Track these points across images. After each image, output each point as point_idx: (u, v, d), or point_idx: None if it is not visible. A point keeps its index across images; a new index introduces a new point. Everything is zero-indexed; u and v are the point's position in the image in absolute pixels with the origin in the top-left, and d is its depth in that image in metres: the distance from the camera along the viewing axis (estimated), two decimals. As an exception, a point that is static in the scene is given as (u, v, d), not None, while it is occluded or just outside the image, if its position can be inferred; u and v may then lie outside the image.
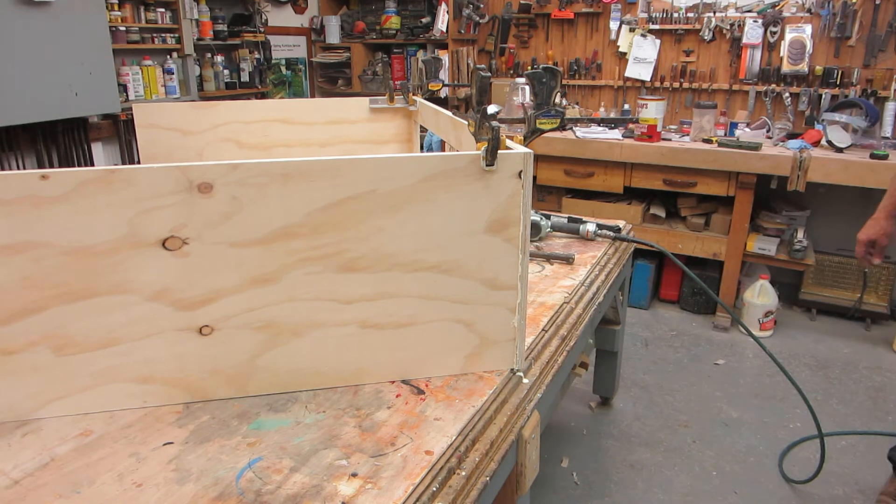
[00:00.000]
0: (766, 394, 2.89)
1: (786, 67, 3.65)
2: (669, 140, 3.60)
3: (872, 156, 3.09)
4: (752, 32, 3.70)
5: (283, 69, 5.00)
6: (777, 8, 3.66)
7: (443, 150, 2.48)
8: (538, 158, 3.75)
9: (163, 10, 3.74)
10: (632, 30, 4.05)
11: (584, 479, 2.30)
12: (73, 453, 1.04)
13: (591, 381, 2.73)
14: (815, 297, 3.76)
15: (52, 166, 3.24)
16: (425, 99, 2.38)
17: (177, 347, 1.14)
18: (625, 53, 4.11)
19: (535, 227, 2.14)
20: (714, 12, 3.82)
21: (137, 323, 1.10)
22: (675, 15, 3.92)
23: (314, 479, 0.98)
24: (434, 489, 0.97)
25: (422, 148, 2.61)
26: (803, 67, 3.61)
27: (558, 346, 1.48)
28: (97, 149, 3.57)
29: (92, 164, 3.47)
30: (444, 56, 4.50)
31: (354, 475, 0.99)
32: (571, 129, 3.83)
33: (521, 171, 1.15)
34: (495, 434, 1.13)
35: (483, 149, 1.12)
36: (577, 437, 2.56)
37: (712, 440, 2.54)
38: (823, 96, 3.59)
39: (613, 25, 4.10)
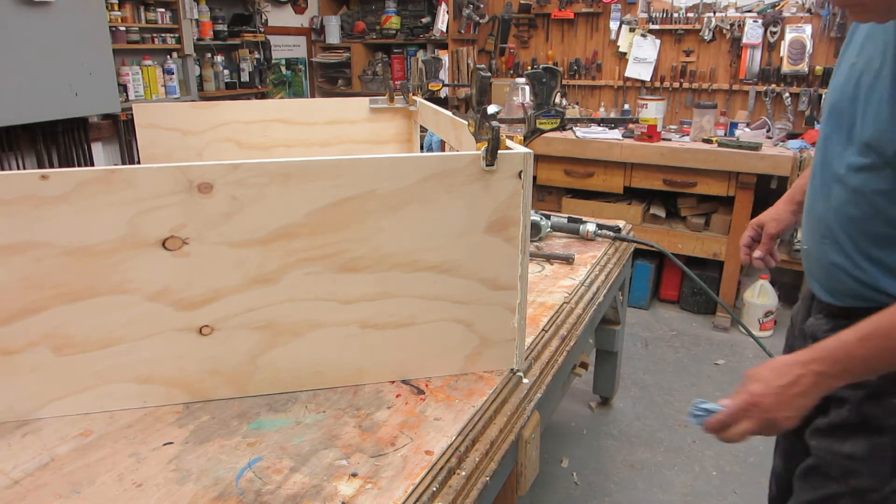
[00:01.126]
0: (766, 394, 2.88)
1: (786, 67, 3.65)
2: (669, 140, 3.60)
3: (872, 156, 3.09)
4: (752, 32, 3.70)
5: (283, 69, 5.00)
6: (777, 8, 3.66)
7: (443, 150, 2.48)
8: (538, 158, 3.75)
9: (163, 10, 3.74)
10: (632, 30, 4.05)
11: (584, 479, 2.30)
12: (73, 453, 1.04)
13: (591, 381, 2.73)
14: (815, 297, 3.76)
15: (52, 166, 3.24)
16: (425, 99, 2.38)
17: (177, 347, 1.14)
18: (625, 53, 4.11)
19: (535, 227, 2.14)
20: (714, 12, 3.82)
21: (137, 323, 1.10)
22: (675, 15, 3.92)
23: (314, 479, 0.98)
24: (434, 489, 0.97)
25: (422, 148, 2.61)
26: (803, 67, 3.61)
27: (558, 346, 1.48)
28: (97, 149, 3.57)
29: (92, 164, 3.47)
30: (444, 56, 4.50)
31: (354, 475, 0.99)
32: (571, 129, 3.83)
33: (521, 171, 1.15)
34: (495, 434, 1.13)
35: (483, 149, 1.12)
36: (577, 437, 2.56)
37: (712, 440, 2.53)
38: (823, 96, 3.59)
39: (613, 25, 4.10)
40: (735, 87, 3.85)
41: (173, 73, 3.84)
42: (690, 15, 3.88)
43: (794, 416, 0.95)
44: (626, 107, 4.17)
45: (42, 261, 1.03)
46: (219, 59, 4.22)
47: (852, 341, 0.91)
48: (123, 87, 3.58)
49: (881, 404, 1.02)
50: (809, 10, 3.58)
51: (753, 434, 0.99)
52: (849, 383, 0.96)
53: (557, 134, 3.66)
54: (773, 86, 3.73)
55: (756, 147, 3.29)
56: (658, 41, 4.00)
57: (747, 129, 3.64)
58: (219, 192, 1.05)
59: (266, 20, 4.56)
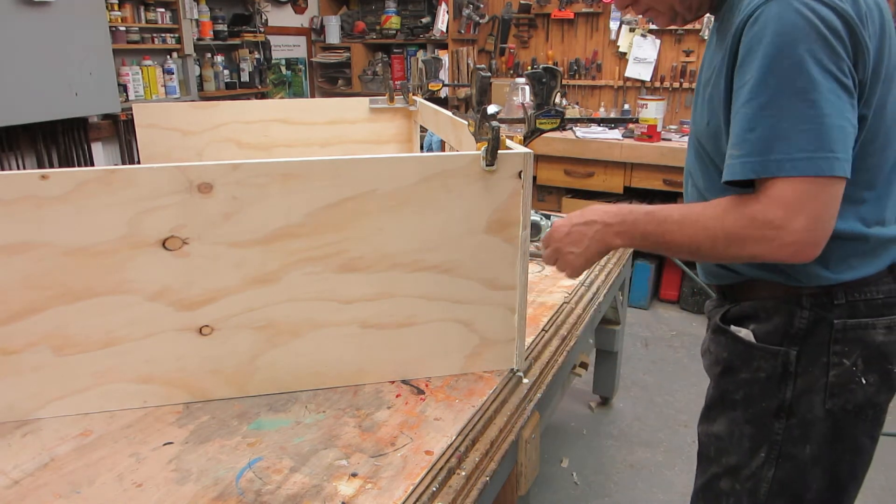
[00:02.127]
0: (766, 394, 2.88)
1: (786, 67, 3.64)
2: (669, 140, 3.60)
3: (872, 156, 3.08)
4: (752, 32, 3.70)
5: (283, 69, 5.00)
6: (777, 8, 3.65)
7: (443, 150, 2.48)
8: (538, 158, 3.75)
9: (163, 10, 3.74)
10: (632, 30, 4.04)
11: (584, 479, 2.30)
12: (73, 453, 1.04)
13: (591, 381, 2.73)
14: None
15: (52, 166, 3.24)
16: (425, 99, 2.38)
17: (177, 347, 1.14)
18: (625, 53, 4.11)
19: (535, 227, 2.14)
20: (714, 12, 3.82)
21: (137, 323, 1.10)
22: (675, 15, 3.91)
23: (314, 479, 0.98)
24: (434, 489, 0.97)
25: (422, 148, 2.61)
26: (803, 67, 3.60)
27: (558, 346, 1.48)
28: (97, 149, 3.57)
29: (92, 164, 3.47)
30: (444, 56, 4.49)
31: (354, 475, 0.99)
32: (571, 129, 3.83)
33: (521, 171, 1.15)
34: (495, 434, 1.13)
35: (483, 149, 1.12)
36: (577, 437, 2.56)
37: (712, 440, 2.54)
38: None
39: (613, 25, 4.10)
40: (735, 87, 3.85)
41: (173, 73, 3.83)
42: (690, 15, 3.87)
43: (577, 252, 1.05)
44: (626, 107, 4.17)
45: (42, 261, 1.03)
46: (219, 59, 4.22)
47: (641, 212, 0.99)
48: (123, 87, 3.57)
49: (732, 379, 1.07)
50: (809, 10, 3.58)
51: (549, 263, 1.11)
52: (627, 245, 1.04)
53: (557, 134, 3.66)
54: (773, 86, 3.72)
55: (756, 147, 3.28)
56: (658, 41, 4.00)
57: (747, 129, 3.63)
58: (219, 192, 1.05)
59: (266, 20, 4.56)
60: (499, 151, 1.12)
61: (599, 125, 3.88)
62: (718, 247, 0.91)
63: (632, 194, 3.82)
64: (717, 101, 0.95)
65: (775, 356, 1.01)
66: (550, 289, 1.74)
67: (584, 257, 1.06)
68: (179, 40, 3.84)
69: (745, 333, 1.05)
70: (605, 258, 2.04)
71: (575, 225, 1.05)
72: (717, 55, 0.96)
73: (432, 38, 4.62)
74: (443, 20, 4.48)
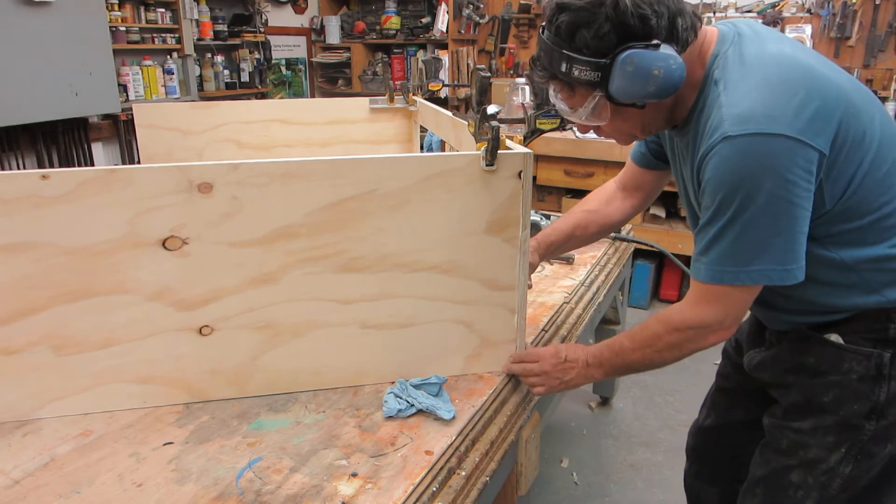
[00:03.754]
0: (766, 394, 2.88)
1: (786, 67, 3.64)
2: (669, 140, 3.59)
3: (872, 156, 3.08)
4: (752, 32, 3.69)
5: (283, 69, 5.00)
6: (777, 8, 3.66)
7: (443, 150, 2.48)
8: (538, 158, 3.75)
9: (163, 10, 3.74)
10: (632, 30, 4.04)
11: (584, 479, 2.30)
12: (73, 453, 1.04)
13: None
14: (815, 297, 3.75)
15: (52, 166, 3.24)
16: (425, 99, 2.38)
17: (177, 347, 1.14)
18: (625, 53, 4.11)
19: (535, 227, 2.13)
20: (714, 12, 3.82)
21: (137, 323, 1.10)
22: (675, 15, 3.91)
23: (314, 479, 0.98)
24: (434, 489, 0.97)
25: (422, 148, 2.61)
26: (803, 67, 3.60)
27: (558, 346, 1.48)
28: (97, 149, 3.57)
29: (92, 164, 3.47)
30: (444, 56, 4.49)
31: (354, 475, 0.99)
32: (571, 128, 3.82)
33: (521, 171, 1.15)
34: (495, 434, 1.13)
35: (483, 149, 1.12)
36: (577, 437, 2.56)
37: (712, 440, 2.54)
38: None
39: (613, 25, 4.09)
40: (735, 87, 3.84)
41: (173, 73, 3.84)
42: (690, 15, 3.87)
43: (564, 380, 1.21)
44: (626, 107, 4.16)
45: (42, 261, 1.03)
46: (219, 59, 4.22)
47: (605, 346, 1.19)
48: (123, 87, 3.58)
49: (821, 381, 1.09)
50: (809, 11, 3.58)
51: (531, 373, 1.23)
52: (602, 378, 1.22)
53: (557, 134, 3.66)
54: (773, 86, 3.72)
55: (756, 147, 3.28)
56: (658, 41, 3.99)
57: (747, 129, 3.63)
58: (219, 192, 1.05)
59: (266, 20, 4.56)
60: (499, 151, 1.12)
61: (599, 125, 3.86)
62: (666, 356, 1.17)
63: (632, 194, 3.81)
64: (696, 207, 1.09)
65: (868, 357, 1.03)
66: (550, 289, 1.74)
67: (565, 385, 1.21)
68: (179, 40, 3.84)
69: (834, 337, 1.07)
70: (605, 258, 2.04)
71: (569, 358, 1.21)
72: (686, 167, 1.10)
73: (432, 38, 4.62)
74: (443, 20, 4.48)
